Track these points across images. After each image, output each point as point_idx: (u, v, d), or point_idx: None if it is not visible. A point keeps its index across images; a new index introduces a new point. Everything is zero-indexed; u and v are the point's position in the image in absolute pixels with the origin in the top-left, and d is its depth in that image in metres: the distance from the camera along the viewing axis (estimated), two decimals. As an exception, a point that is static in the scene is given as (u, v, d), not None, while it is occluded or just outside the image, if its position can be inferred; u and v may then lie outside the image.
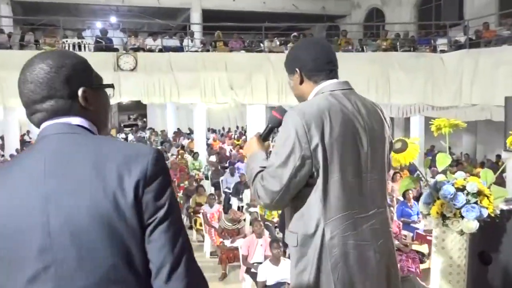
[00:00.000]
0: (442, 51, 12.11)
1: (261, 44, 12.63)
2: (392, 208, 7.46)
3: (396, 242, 7.03)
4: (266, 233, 8.08)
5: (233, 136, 22.20)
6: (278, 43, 13.25)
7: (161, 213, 1.10)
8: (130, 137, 25.27)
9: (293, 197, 1.76)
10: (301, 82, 1.89)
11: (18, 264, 1.06)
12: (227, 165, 13.34)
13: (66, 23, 19.12)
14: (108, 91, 1.32)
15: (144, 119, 30.69)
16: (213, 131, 24.96)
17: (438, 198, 2.58)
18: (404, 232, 7.37)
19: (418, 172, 3.15)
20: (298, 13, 18.68)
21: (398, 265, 6.78)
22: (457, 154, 16.05)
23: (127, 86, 10.73)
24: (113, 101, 10.78)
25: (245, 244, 6.50)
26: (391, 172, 11.55)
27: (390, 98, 11.90)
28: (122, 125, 30.83)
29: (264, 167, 1.77)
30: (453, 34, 12.83)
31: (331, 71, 1.87)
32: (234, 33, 13.10)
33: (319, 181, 1.71)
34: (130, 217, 1.06)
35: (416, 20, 16.80)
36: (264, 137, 1.96)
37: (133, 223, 1.07)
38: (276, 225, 8.13)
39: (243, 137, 20.61)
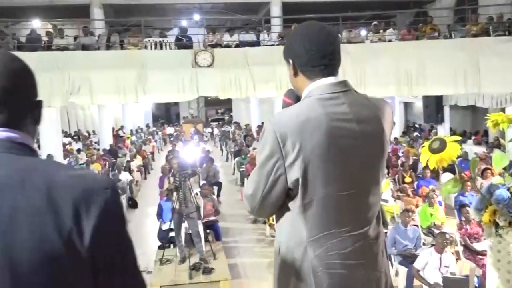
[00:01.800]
0: (543, 34, 10.95)
1: (339, 35, 12.26)
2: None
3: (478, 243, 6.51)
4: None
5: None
6: (359, 32, 12.80)
7: (118, 257, 1.02)
8: (216, 131, 26.01)
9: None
10: (295, 74, 1.68)
11: None
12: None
13: (154, 23, 20.05)
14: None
15: (231, 113, 31.41)
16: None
17: (491, 204, 2.27)
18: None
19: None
20: (384, 1, 17.88)
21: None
22: None
23: (204, 82, 10.97)
24: (191, 97, 11.14)
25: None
26: (481, 167, 10.68)
27: (481, 87, 10.99)
28: (209, 119, 31.83)
29: None
30: (556, 14, 11.54)
31: (326, 66, 1.63)
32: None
33: (298, 198, 1.57)
34: (82, 260, 0.95)
35: (514, 1, 15.32)
36: None
37: (84, 266, 0.96)
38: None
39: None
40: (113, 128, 20.67)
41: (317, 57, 1.62)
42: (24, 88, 1.05)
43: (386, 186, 9.42)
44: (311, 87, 1.63)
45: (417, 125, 20.48)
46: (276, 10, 17.17)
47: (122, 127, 23.68)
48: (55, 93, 10.50)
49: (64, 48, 11.11)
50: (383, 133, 1.65)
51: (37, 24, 16.62)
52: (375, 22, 12.85)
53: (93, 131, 23.05)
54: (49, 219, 0.93)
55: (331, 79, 1.63)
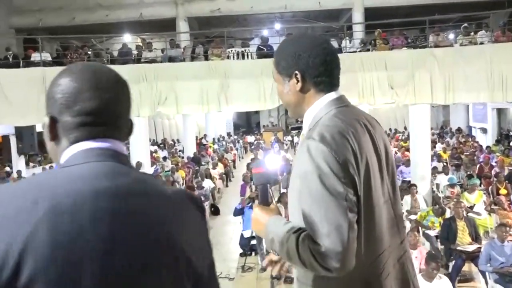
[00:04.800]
0: None
1: (426, 39, 11.76)
2: None
3: None
4: (427, 244, 7.50)
5: (400, 137, 21.19)
6: (447, 36, 12.20)
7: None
8: (296, 139, 25.99)
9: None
10: (302, 89, 1.54)
11: None
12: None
13: (236, 34, 20.49)
14: None
15: (311, 122, 31.17)
16: (380, 132, 24.15)
17: None
18: None
19: None
20: (473, 2, 16.93)
21: None
22: None
23: (285, 90, 10.98)
24: (272, 106, 11.19)
25: (398, 255, 6.07)
26: None
27: None
28: (289, 127, 31.85)
29: (299, 229, 1.39)
30: None
31: (337, 77, 1.57)
32: (396, 30, 12.43)
33: (361, 219, 1.41)
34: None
35: None
36: (263, 201, 1.64)
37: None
38: (437, 234, 7.45)
39: (411, 139, 19.51)
40: (196, 137, 21.34)
41: (333, 67, 1.55)
42: (127, 99, 1.09)
43: (479, 198, 8.84)
44: (323, 101, 1.53)
45: (512, 133, 19.08)
46: (358, 16, 16.87)
47: (205, 136, 24.40)
48: (143, 103, 11.02)
49: (152, 61, 11.64)
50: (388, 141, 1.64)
51: (128, 39, 17.68)
52: (465, 24, 12.17)
53: (177, 140, 23.95)
54: (172, 227, 0.98)
55: (335, 93, 1.57)
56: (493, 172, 11.47)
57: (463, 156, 14.25)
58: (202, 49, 12.29)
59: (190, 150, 17.91)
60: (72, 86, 1.01)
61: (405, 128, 24.39)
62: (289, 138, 27.65)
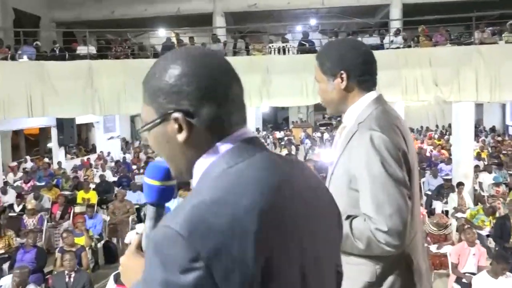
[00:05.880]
0: None
1: (471, 36, 11.60)
2: None
3: None
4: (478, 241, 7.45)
5: (433, 136, 20.99)
6: (490, 33, 12.01)
7: None
8: (326, 135, 25.90)
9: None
10: (346, 87, 1.65)
11: None
12: (425, 166, 12.70)
13: (270, 29, 20.50)
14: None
15: (339, 118, 30.94)
16: (411, 130, 23.94)
17: None
18: None
19: None
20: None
21: None
22: None
23: (326, 86, 10.97)
24: (313, 101, 11.18)
25: (455, 251, 6.06)
26: None
27: None
28: (317, 124, 31.78)
29: (348, 216, 1.56)
30: None
31: (376, 77, 1.70)
32: (440, 26, 12.29)
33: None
34: None
35: None
36: None
37: None
38: (488, 233, 7.39)
39: (445, 137, 19.32)
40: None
41: (373, 67, 1.68)
42: None
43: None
44: (367, 98, 1.66)
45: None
46: (396, 12, 16.70)
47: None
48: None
49: (194, 55, 11.75)
50: None
51: (162, 33, 17.85)
52: (511, 21, 11.96)
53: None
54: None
55: (375, 92, 1.70)
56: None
57: (501, 155, 14.04)
58: (244, 44, 12.35)
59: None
60: (207, 74, 0.89)
61: (437, 126, 24.13)
62: (318, 134, 27.56)
